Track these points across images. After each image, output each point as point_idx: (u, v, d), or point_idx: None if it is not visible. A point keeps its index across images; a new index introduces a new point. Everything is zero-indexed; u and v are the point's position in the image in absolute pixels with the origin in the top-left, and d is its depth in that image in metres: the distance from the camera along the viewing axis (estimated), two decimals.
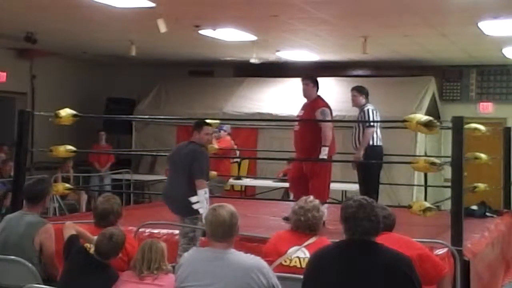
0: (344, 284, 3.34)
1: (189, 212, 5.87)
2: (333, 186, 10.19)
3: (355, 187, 9.98)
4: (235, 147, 10.56)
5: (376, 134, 6.99)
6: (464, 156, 5.91)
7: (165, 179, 10.56)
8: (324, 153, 6.84)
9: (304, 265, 4.30)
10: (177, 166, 6.09)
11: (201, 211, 5.76)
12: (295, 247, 4.47)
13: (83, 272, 4.30)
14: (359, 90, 7.26)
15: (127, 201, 11.21)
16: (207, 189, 5.90)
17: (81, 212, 10.58)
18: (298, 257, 4.45)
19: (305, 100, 7.29)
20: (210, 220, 3.84)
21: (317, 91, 7.19)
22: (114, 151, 12.67)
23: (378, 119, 7.05)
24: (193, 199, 5.85)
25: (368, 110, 6.99)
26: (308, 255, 4.38)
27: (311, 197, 4.73)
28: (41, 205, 5.15)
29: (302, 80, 7.24)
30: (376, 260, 3.34)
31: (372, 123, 6.90)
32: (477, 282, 5.84)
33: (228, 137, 10.48)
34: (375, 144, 6.93)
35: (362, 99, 7.17)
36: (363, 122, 6.99)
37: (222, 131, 10.40)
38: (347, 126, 10.97)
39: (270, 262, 4.26)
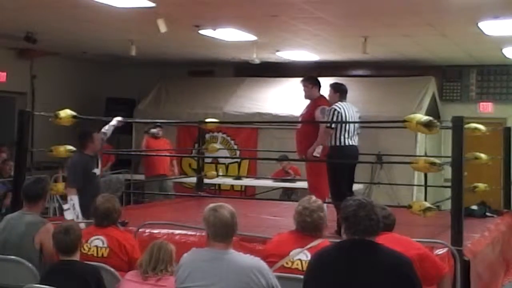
0: (344, 284, 3.34)
1: None
2: None
3: (355, 186, 9.98)
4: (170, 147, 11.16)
5: (346, 133, 6.55)
6: (464, 156, 5.90)
7: (165, 179, 10.73)
8: (317, 151, 6.73)
9: (305, 268, 4.29)
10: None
11: (69, 217, 6.26)
12: (298, 249, 4.42)
13: (50, 279, 4.21)
14: (333, 88, 6.87)
15: (127, 201, 11.20)
16: (73, 196, 6.39)
17: None
18: (300, 259, 4.39)
19: (307, 100, 7.18)
20: (213, 221, 3.81)
21: (319, 90, 7.01)
22: (114, 151, 12.67)
23: (350, 119, 6.58)
24: (64, 206, 6.42)
25: (330, 110, 6.59)
26: (310, 258, 4.36)
27: (313, 197, 4.70)
28: (41, 204, 5.16)
29: (301, 82, 7.08)
30: (376, 260, 3.34)
31: (332, 124, 6.47)
32: (477, 282, 5.84)
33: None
34: (342, 144, 6.52)
35: (335, 97, 6.73)
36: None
37: (159, 131, 10.62)
38: None
39: (271, 264, 4.24)
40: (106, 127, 7.16)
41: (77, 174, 6.57)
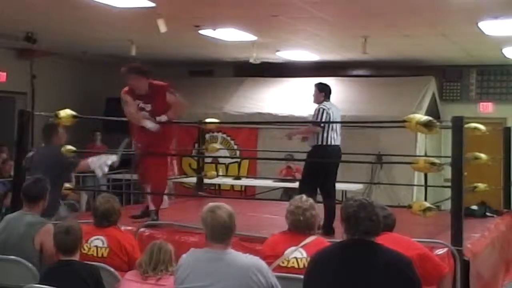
0: (345, 284, 3.34)
1: None
2: None
3: (355, 187, 10.05)
4: None
5: (327, 134, 6.59)
6: (464, 156, 5.90)
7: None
8: (150, 125, 6.93)
9: (302, 266, 4.30)
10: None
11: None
12: (292, 248, 4.46)
13: (49, 279, 4.22)
14: (318, 88, 6.93)
15: (127, 201, 11.20)
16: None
17: (81, 212, 10.57)
18: (295, 257, 4.43)
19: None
20: (210, 222, 3.82)
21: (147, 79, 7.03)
22: (113, 150, 12.66)
23: (334, 119, 6.67)
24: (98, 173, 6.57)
25: (319, 109, 6.66)
26: (305, 255, 4.37)
27: (305, 196, 4.71)
28: (41, 204, 5.15)
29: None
30: (376, 260, 3.34)
31: (322, 124, 6.57)
32: (477, 282, 5.84)
33: None
34: (324, 143, 6.57)
35: (320, 97, 6.83)
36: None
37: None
38: (346, 126, 11.03)
39: (268, 264, 4.24)
40: (114, 158, 7.14)
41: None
